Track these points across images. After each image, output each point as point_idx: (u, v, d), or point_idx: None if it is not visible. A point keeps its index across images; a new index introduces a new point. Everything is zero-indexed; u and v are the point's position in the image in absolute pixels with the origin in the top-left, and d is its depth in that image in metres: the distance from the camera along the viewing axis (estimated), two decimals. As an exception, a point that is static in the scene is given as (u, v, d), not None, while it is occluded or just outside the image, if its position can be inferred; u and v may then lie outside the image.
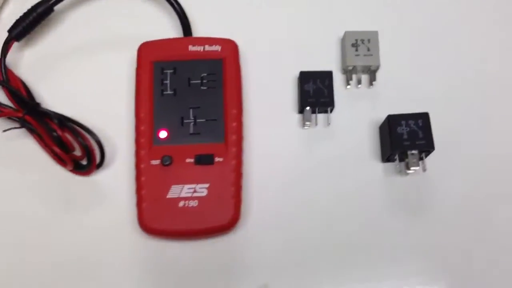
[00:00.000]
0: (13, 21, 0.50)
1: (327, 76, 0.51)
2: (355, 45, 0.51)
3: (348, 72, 0.51)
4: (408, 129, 0.47)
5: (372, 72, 0.51)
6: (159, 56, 0.49)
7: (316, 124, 0.50)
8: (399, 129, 0.47)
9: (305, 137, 0.51)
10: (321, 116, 0.51)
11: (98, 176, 0.49)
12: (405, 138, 0.46)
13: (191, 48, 0.49)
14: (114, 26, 0.54)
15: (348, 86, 0.52)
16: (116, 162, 0.49)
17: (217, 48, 0.49)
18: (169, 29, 0.53)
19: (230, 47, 0.49)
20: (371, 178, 0.49)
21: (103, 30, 0.54)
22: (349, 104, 0.52)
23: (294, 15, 0.55)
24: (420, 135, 0.46)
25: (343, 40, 0.52)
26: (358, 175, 0.49)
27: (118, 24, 0.54)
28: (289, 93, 0.52)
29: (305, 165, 0.49)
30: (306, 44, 0.53)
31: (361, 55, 0.51)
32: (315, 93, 0.50)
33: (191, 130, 0.47)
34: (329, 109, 0.50)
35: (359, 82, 0.52)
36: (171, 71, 0.49)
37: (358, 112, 0.51)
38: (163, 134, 0.47)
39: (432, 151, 0.47)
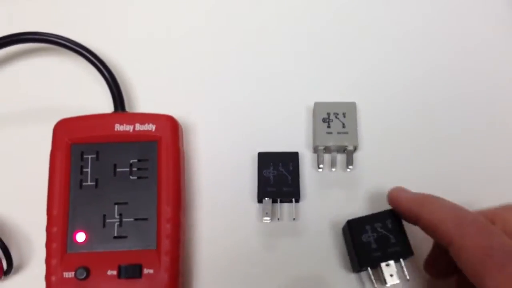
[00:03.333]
0: None
1: (291, 158, 0.41)
2: (326, 120, 0.41)
3: (319, 152, 0.41)
4: (376, 235, 0.36)
5: (348, 153, 0.41)
6: (78, 137, 0.39)
7: (279, 218, 0.40)
8: (364, 237, 0.36)
9: (265, 234, 0.40)
10: (286, 207, 0.41)
11: (6, 284, 0.39)
12: (374, 248, 0.36)
13: (117, 127, 0.39)
14: (36, 94, 0.44)
15: (320, 170, 0.41)
16: (31, 265, 0.40)
17: (151, 127, 0.39)
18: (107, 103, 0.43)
19: (168, 125, 0.39)
20: (346, 288, 0.39)
21: (22, 98, 0.44)
22: (321, 193, 0.41)
23: (255, 83, 0.45)
24: (392, 239, 0.36)
25: (313, 113, 0.42)
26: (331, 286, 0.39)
27: (41, 93, 0.44)
28: (249, 177, 0.42)
29: (264, 269, 0.40)
30: (269, 118, 0.44)
31: (334, 132, 0.41)
32: (276, 180, 0.40)
33: (115, 233, 0.38)
34: (293, 200, 0.40)
35: (333, 164, 0.41)
36: (93, 156, 0.39)
37: (331, 203, 0.41)
38: (80, 237, 0.38)
39: (411, 256, 0.36)
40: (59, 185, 0.38)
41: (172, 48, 0.46)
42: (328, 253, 0.40)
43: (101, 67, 0.42)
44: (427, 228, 0.33)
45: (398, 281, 0.36)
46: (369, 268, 0.37)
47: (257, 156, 0.41)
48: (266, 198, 0.40)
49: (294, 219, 0.40)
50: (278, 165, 0.41)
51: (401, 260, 0.37)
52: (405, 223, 0.37)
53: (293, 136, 0.43)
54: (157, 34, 0.46)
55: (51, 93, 0.44)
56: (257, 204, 0.41)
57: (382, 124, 0.43)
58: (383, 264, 0.36)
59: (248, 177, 0.42)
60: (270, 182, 0.40)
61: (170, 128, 0.39)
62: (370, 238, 0.36)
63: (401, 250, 0.36)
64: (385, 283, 0.36)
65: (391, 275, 0.36)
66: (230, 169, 0.42)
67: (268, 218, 0.40)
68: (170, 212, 0.38)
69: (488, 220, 0.32)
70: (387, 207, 0.37)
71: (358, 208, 0.40)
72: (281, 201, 0.41)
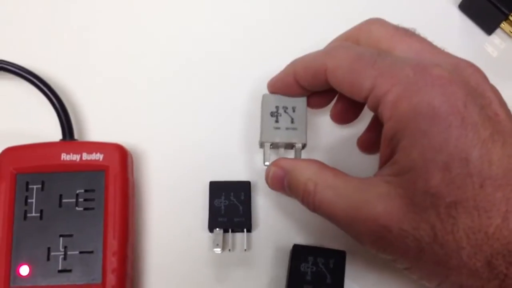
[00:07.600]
0: None
1: (243, 188, 0.40)
2: (275, 114, 0.39)
3: (266, 148, 0.38)
4: (315, 268, 0.36)
5: (297, 151, 0.38)
6: (24, 167, 0.38)
7: (230, 249, 0.39)
8: (303, 267, 0.37)
9: (217, 265, 0.40)
10: (238, 237, 0.40)
11: None
12: (307, 280, 0.36)
13: (64, 156, 0.38)
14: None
15: (266, 164, 0.38)
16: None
17: (98, 156, 0.38)
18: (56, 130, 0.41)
19: (116, 154, 0.39)
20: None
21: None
22: (274, 220, 0.41)
23: (207, 111, 0.44)
24: (328, 280, 0.36)
25: (261, 105, 0.39)
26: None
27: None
28: (200, 207, 0.41)
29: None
30: (222, 146, 0.43)
31: (283, 128, 0.38)
32: (227, 210, 0.40)
33: (60, 266, 0.37)
34: (245, 230, 0.39)
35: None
36: (39, 186, 0.38)
37: (285, 231, 0.41)
38: (24, 270, 0.37)
39: None
40: (2, 216, 0.37)
41: (124, 75, 0.45)
42: (282, 284, 0.39)
43: (49, 93, 0.40)
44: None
45: None
46: None
47: (208, 185, 0.40)
48: (217, 229, 0.39)
49: (245, 249, 0.40)
50: (230, 195, 0.40)
51: None
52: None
53: (246, 164, 0.42)
54: (109, 61, 0.45)
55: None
56: (209, 234, 0.41)
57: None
58: None
59: (199, 206, 0.41)
60: (221, 212, 0.40)
61: (119, 157, 0.39)
62: (308, 269, 0.36)
63: None
64: None
65: None
66: (181, 198, 0.41)
67: (219, 249, 0.39)
68: (116, 245, 0.37)
69: (354, 40, 0.35)
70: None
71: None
72: (233, 231, 0.40)
